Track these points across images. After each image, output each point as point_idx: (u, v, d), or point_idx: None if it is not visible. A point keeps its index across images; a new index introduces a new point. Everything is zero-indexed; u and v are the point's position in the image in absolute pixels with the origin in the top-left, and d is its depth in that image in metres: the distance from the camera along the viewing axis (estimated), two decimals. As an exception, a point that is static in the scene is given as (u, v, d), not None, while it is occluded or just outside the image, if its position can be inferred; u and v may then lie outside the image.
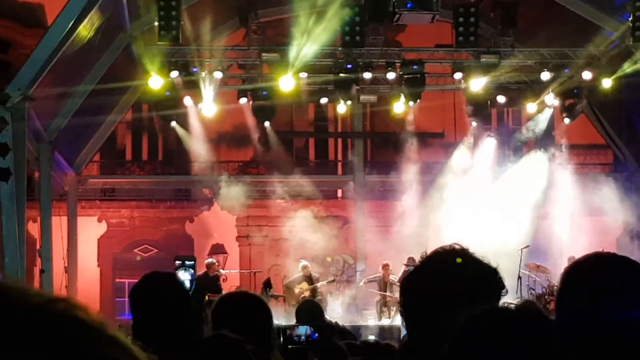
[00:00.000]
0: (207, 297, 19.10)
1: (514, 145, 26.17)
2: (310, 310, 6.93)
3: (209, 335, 3.40)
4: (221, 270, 21.44)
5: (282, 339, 6.46)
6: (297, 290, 21.02)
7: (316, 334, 7.05)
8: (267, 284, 20.02)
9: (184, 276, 20.10)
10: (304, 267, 21.46)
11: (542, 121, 24.69)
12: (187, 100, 22.46)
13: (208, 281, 20.28)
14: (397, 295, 20.17)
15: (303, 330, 6.52)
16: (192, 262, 21.06)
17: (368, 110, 26.58)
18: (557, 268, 21.80)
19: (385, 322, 20.40)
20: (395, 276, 20.92)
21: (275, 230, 27.20)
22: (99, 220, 27.06)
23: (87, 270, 25.03)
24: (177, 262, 20.90)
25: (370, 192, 25.62)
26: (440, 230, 25.75)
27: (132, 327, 3.72)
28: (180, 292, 3.83)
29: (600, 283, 2.31)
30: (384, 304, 20.62)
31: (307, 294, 20.56)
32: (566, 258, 21.94)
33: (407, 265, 20.77)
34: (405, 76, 21.65)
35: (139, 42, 20.90)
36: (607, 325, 2.22)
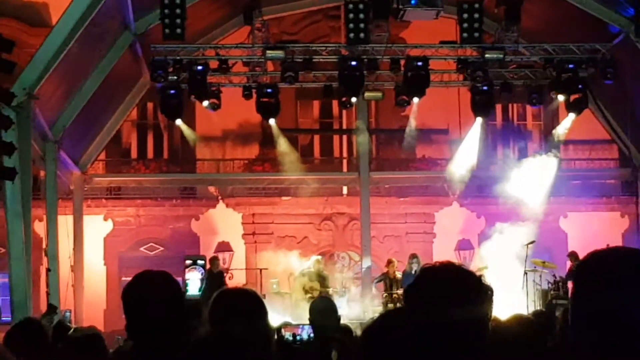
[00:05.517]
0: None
1: (518, 141, 26.18)
2: (324, 309, 6.81)
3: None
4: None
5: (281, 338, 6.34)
6: (297, 284, 20.95)
7: (313, 335, 6.93)
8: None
9: (195, 275, 20.09)
10: (317, 262, 21.35)
11: (547, 117, 24.69)
12: (192, 98, 22.47)
13: (214, 278, 20.30)
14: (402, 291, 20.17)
15: (306, 330, 6.40)
16: (203, 262, 21.05)
17: (373, 107, 26.57)
18: (563, 264, 21.81)
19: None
20: (401, 272, 20.87)
21: (281, 227, 27.23)
22: (105, 219, 27.09)
23: (94, 269, 25.07)
24: (188, 262, 20.85)
25: (376, 188, 25.60)
26: (444, 227, 25.80)
27: (125, 327, 3.64)
28: (173, 291, 3.75)
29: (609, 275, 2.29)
30: (390, 300, 20.53)
31: (308, 291, 20.44)
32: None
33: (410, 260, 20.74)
34: (410, 73, 21.63)
35: (144, 40, 20.92)
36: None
